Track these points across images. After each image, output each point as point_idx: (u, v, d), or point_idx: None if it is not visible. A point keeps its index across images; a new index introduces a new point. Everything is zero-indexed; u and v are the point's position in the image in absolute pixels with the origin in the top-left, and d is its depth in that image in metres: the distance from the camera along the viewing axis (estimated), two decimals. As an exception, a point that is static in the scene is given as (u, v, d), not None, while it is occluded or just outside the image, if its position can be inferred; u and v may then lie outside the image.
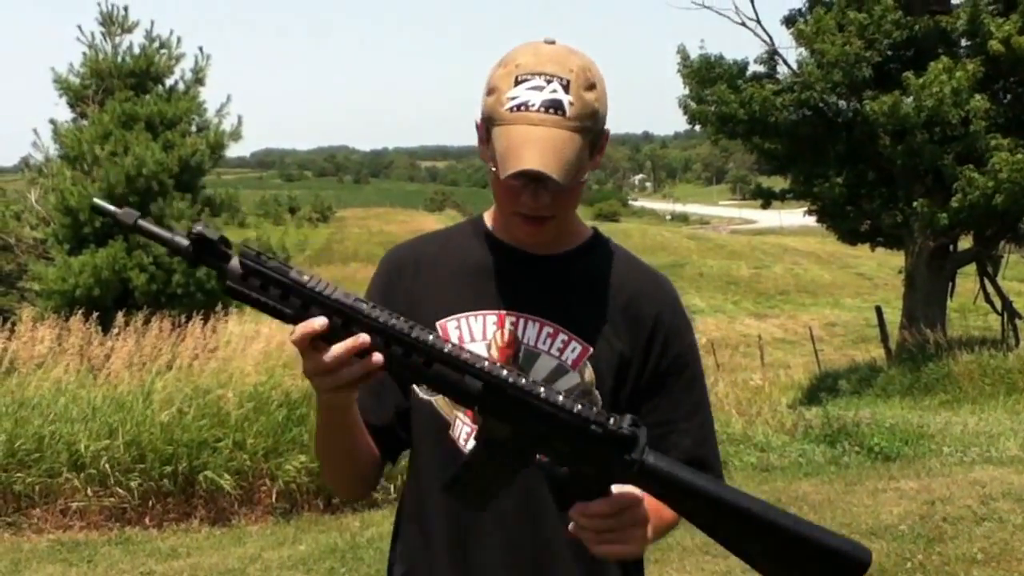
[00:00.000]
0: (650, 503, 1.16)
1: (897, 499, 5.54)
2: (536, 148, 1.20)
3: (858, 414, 7.83)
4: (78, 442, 5.61)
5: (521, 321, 1.33)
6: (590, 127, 1.25)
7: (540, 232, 1.31)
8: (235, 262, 1.11)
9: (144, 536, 5.48)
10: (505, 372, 1.11)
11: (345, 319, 1.10)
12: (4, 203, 14.77)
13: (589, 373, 1.32)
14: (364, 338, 1.09)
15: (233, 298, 1.13)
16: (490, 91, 1.27)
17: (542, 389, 1.11)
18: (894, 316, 15.83)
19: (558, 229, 1.34)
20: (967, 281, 17.16)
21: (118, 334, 7.75)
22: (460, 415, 1.33)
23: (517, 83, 1.24)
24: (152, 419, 5.80)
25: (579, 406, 1.11)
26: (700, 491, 1.13)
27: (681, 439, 1.35)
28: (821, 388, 14.49)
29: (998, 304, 15.18)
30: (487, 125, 1.28)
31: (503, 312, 1.34)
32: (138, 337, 7.66)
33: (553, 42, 1.29)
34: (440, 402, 1.34)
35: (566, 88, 1.23)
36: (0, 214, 14.00)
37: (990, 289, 15.24)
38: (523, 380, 1.11)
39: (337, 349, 1.09)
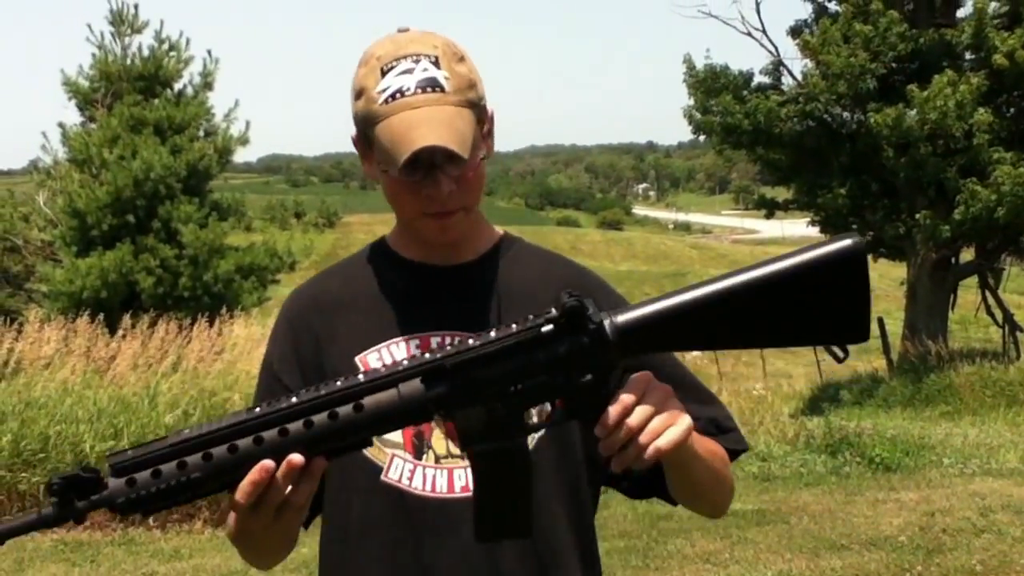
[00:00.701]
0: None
1: (897, 510, 5.55)
2: (425, 127, 1.10)
3: (859, 424, 7.84)
4: (83, 443, 5.65)
5: (447, 339, 1.20)
6: (474, 100, 1.16)
7: (451, 225, 1.19)
8: (113, 480, 0.98)
9: (147, 537, 5.51)
10: (428, 355, 1.00)
11: (253, 434, 0.97)
12: (12, 205, 14.88)
13: None
14: (296, 459, 0.96)
15: (139, 512, 1.00)
16: (358, 94, 1.16)
17: (471, 339, 1.00)
18: (896, 327, 15.82)
19: (469, 225, 1.23)
20: (968, 293, 17.16)
21: (124, 336, 7.82)
22: (397, 452, 1.19)
23: (384, 74, 1.14)
24: (157, 421, 5.84)
25: (515, 326, 1.00)
26: (679, 305, 1.01)
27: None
28: (823, 398, 14.50)
29: (999, 316, 15.19)
30: (364, 130, 1.16)
31: (427, 333, 1.22)
32: (144, 339, 7.73)
33: (407, 29, 1.20)
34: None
35: (436, 64, 1.14)
36: (8, 216, 14.12)
37: (991, 301, 15.24)
38: (449, 348, 1.00)
39: (272, 498, 0.97)
